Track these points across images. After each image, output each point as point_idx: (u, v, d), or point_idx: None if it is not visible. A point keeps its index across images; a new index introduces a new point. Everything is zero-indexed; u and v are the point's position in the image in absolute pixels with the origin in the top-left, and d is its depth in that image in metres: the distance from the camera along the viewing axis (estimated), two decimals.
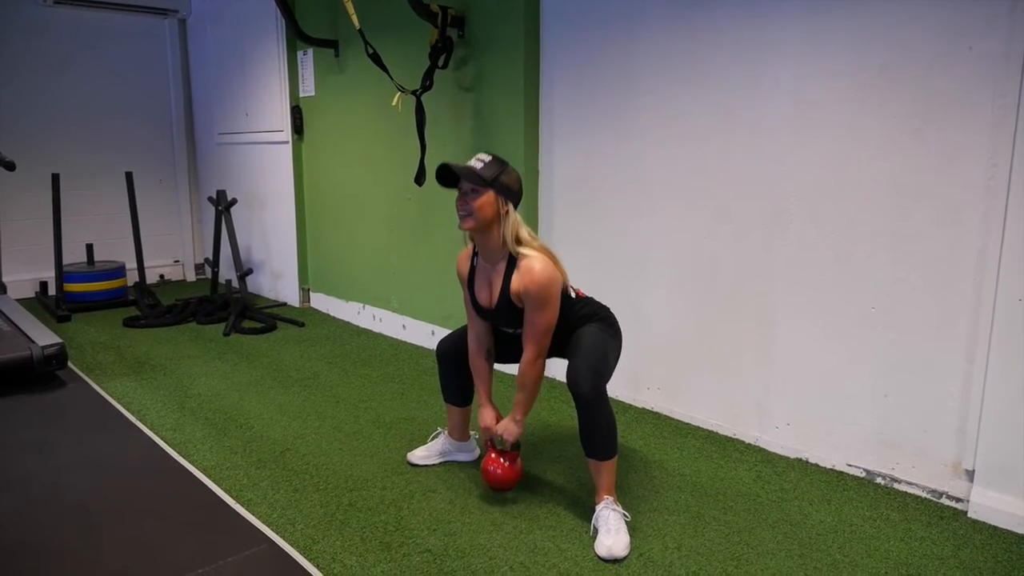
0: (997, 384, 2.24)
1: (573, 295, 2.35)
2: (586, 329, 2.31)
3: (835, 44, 2.49)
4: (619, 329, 2.43)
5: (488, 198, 2.18)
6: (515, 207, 2.24)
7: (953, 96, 2.26)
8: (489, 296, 2.34)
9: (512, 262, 2.25)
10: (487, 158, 2.22)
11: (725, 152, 2.84)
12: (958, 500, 2.39)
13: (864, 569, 2.05)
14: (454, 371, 2.58)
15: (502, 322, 2.39)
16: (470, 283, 2.41)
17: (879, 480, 2.56)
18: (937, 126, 2.30)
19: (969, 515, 2.33)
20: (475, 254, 2.39)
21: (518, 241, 2.23)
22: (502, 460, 2.40)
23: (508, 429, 2.38)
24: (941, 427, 2.40)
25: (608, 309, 2.44)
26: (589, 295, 2.44)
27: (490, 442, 2.45)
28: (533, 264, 2.19)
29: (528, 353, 2.28)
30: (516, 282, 2.23)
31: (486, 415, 2.45)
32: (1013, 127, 2.13)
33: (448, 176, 2.22)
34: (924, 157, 2.34)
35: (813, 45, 2.54)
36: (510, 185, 2.21)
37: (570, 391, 2.18)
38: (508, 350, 2.48)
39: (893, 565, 2.07)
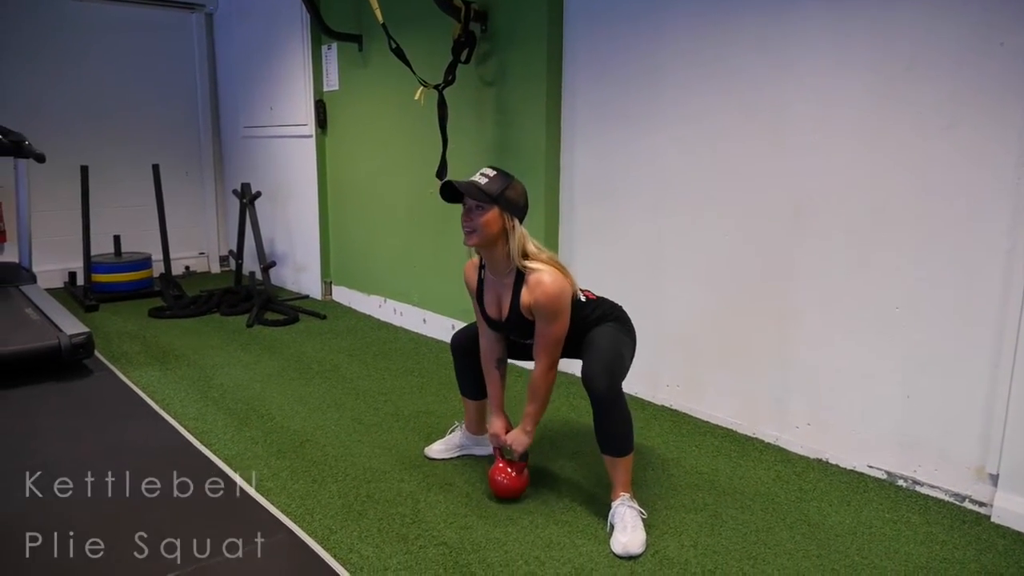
0: (1023, 387, 2.20)
1: (583, 299, 2.31)
2: (600, 329, 2.29)
3: (860, 40, 2.45)
4: (632, 327, 2.41)
5: (493, 214, 2.16)
6: (521, 222, 2.21)
7: (983, 94, 2.22)
8: (499, 310, 2.33)
9: (520, 277, 2.23)
10: (492, 173, 2.20)
11: (748, 149, 2.81)
12: (981, 504, 2.35)
13: (883, 572, 2.03)
14: (469, 364, 2.57)
15: (514, 334, 2.38)
16: (479, 295, 2.40)
17: (900, 482, 2.53)
18: (965, 124, 2.26)
19: (992, 520, 2.29)
20: (482, 266, 2.37)
21: (525, 255, 2.21)
22: (509, 470, 2.39)
23: (518, 440, 2.37)
24: (965, 430, 2.37)
25: (621, 308, 2.42)
26: (600, 295, 2.41)
27: (499, 451, 2.45)
28: (542, 278, 2.17)
29: (540, 365, 2.27)
30: (526, 296, 2.21)
31: (496, 424, 2.45)
32: None
33: (452, 192, 2.21)
34: (951, 155, 2.30)
35: (838, 42, 2.51)
36: (515, 200, 2.19)
37: (586, 390, 2.18)
38: (521, 350, 2.47)
39: (913, 569, 2.05)
